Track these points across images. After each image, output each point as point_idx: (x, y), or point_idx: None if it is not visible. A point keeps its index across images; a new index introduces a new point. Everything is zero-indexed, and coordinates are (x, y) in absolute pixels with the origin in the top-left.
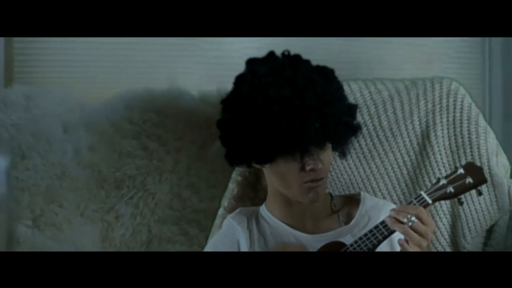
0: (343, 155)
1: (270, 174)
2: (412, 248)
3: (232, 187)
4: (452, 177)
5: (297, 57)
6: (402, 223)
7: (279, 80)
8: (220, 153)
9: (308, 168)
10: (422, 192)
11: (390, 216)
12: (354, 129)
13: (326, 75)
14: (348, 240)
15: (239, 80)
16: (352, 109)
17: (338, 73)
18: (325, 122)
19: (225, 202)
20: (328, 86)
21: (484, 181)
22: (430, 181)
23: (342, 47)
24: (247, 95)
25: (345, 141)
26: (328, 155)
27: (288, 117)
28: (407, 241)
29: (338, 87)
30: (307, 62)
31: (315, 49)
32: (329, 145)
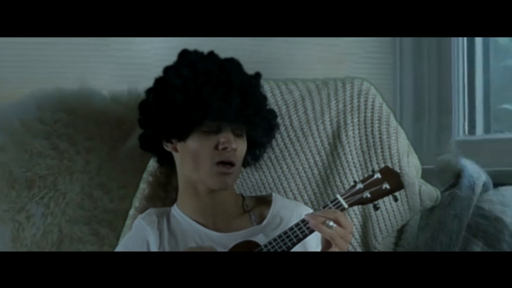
0: (255, 158)
1: (182, 156)
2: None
3: (143, 187)
4: (368, 181)
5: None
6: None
7: (209, 60)
8: (132, 153)
9: (221, 146)
10: (338, 196)
11: (308, 221)
12: (271, 126)
13: (254, 76)
14: (260, 239)
15: (167, 68)
16: (273, 111)
17: (249, 73)
18: (246, 102)
19: (136, 203)
20: (254, 81)
21: (401, 187)
22: (341, 181)
23: (253, 47)
24: (174, 71)
25: (260, 132)
26: (243, 146)
27: (212, 89)
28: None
29: (262, 93)
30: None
31: (225, 49)
32: (244, 137)
